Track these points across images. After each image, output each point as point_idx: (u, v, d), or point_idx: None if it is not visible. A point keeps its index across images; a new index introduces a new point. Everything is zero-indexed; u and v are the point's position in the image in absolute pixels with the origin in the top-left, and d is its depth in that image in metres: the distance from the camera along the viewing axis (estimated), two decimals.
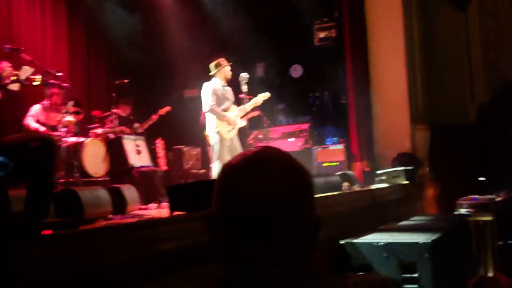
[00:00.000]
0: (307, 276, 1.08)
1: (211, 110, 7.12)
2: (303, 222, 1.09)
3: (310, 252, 1.12)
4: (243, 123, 7.35)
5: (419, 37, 9.43)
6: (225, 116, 7.12)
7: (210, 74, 7.32)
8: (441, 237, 4.61)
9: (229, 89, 7.41)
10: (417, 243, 4.35)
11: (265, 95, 7.60)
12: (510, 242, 6.47)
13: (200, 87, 7.26)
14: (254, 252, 1.07)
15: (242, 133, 7.40)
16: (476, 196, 6.92)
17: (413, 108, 9.13)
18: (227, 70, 7.30)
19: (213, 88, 7.18)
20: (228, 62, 7.38)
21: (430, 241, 4.31)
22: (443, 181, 8.66)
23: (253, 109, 7.75)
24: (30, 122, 7.41)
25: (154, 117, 8.83)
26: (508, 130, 8.65)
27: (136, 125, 8.52)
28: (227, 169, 1.13)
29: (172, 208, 3.80)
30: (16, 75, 5.96)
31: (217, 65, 7.29)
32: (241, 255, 1.08)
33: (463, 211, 6.61)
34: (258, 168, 1.09)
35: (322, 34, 10.68)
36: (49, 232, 2.65)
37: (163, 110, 8.98)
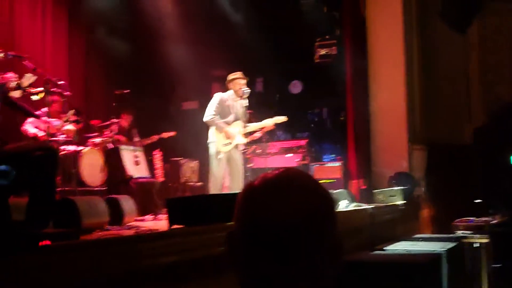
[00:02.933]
0: None
1: (209, 121, 7.11)
2: (327, 243, 1.10)
3: (333, 274, 1.12)
4: (242, 140, 7.20)
5: (419, 58, 9.49)
6: (223, 128, 7.09)
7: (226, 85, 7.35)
8: (437, 259, 4.63)
9: (240, 103, 7.26)
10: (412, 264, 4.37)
11: (280, 119, 7.55)
12: (505, 264, 6.48)
13: (198, 100, 7.27)
14: (274, 272, 1.07)
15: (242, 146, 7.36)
16: (472, 218, 6.93)
17: (411, 127, 9.16)
18: (237, 84, 7.22)
19: (220, 99, 7.14)
20: (245, 76, 7.31)
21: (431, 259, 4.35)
22: (439, 201, 8.67)
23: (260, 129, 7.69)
24: (29, 128, 7.39)
25: (156, 137, 8.89)
26: (504, 152, 8.69)
27: (136, 139, 8.54)
28: (251, 188, 1.13)
29: (171, 221, 3.79)
30: (18, 82, 5.95)
31: (230, 78, 7.30)
32: (261, 273, 1.08)
33: (459, 232, 6.62)
34: (284, 188, 1.10)
35: (323, 51, 10.71)
36: (48, 242, 2.63)
37: (167, 134, 9.02)
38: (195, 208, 3.60)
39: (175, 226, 3.75)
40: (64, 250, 2.65)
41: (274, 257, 1.06)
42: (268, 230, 1.07)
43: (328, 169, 8.79)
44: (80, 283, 2.59)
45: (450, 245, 5.53)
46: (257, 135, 7.73)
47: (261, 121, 7.55)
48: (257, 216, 1.09)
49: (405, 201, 7.52)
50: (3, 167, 2.53)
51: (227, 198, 3.62)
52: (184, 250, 3.13)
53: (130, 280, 2.83)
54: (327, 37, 10.66)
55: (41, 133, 7.19)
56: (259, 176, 1.16)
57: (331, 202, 1.14)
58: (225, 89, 7.35)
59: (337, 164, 8.84)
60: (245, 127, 7.15)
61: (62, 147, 7.03)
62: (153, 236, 3.35)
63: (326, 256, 1.10)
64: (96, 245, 2.88)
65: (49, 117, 6.63)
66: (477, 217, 6.97)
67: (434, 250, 4.98)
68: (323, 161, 9.45)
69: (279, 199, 1.08)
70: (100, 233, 4.16)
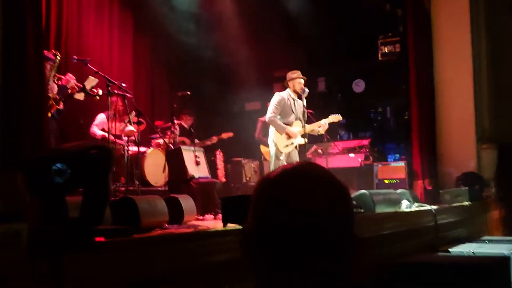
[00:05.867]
0: None
1: (270, 121, 7.10)
2: (341, 239, 1.06)
3: (348, 270, 1.07)
4: (302, 140, 7.14)
5: (487, 54, 9.15)
6: (285, 128, 7.05)
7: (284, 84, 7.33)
8: (504, 261, 4.44)
9: (300, 102, 7.21)
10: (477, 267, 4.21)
11: (336, 117, 7.45)
12: None
13: (260, 100, 7.27)
14: (290, 266, 1.03)
15: (301, 147, 7.31)
16: None
17: (479, 126, 8.86)
18: (297, 83, 7.18)
19: (279, 99, 7.12)
20: (303, 75, 7.26)
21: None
22: (510, 202, 8.33)
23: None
24: (96, 130, 7.64)
25: (215, 139, 9.03)
26: None
27: (196, 141, 8.67)
28: (265, 182, 1.10)
29: (225, 220, 3.80)
30: (82, 85, 6.18)
31: (289, 77, 7.27)
32: (276, 269, 1.05)
33: None
34: (298, 181, 1.07)
35: (386, 49, 10.53)
36: (102, 239, 2.70)
37: (226, 135, 9.19)
38: (248, 207, 3.60)
39: (229, 225, 3.76)
40: (117, 246, 2.70)
41: (290, 254, 1.03)
42: (282, 220, 1.03)
43: (392, 169, 8.60)
44: (133, 278, 2.64)
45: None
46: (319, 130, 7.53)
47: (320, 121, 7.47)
48: (276, 209, 1.05)
49: (472, 202, 7.26)
50: (59, 165, 2.61)
51: None
52: (235, 249, 3.12)
53: (183, 277, 2.86)
54: (389, 34, 10.46)
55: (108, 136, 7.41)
56: (275, 169, 1.13)
57: (347, 195, 1.10)
58: (284, 88, 7.33)
59: (401, 164, 8.63)
60: (304, 126, 7.08)
61: (126, 148, 7.21)
62: (205, 234, 3.37)
63: (341, 249, 1.05)
64: (148, 242, 2.93)
65: (113, 118, 6.83)
66: None
67: (501, 253, 4.79)
68: (387, 161, 9.26)
69: (294, 190, 1.05)
70: (159, 231, 4.22)
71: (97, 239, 2.66)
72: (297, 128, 7.13)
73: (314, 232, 1.02)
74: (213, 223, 5.81)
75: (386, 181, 8.49)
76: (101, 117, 7.71)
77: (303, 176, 1.08)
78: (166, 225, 4.54)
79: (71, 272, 2.34)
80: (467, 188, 7.66)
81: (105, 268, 2.54)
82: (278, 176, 1.09)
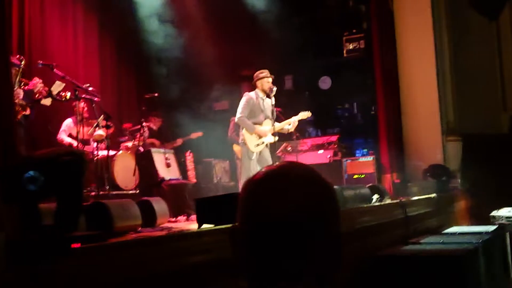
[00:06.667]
0: None
1: (239, 121, 7.13)
2: (327, 237, 1.09)
3: (334, 268, 1.11)
4: (272, 138, 7.18)
5: (449, 48, 9.34)
6: (254, 128, 7.09)
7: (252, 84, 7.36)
8: (473, 251, 4.55)
9: (268, 101, 7.23)
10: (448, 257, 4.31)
11: (306, 114, 7.48)
12: None
13: (229, 100, 7.28)
14: (277, 266, 1.06)
15: (272, 145, 7.35)
16: (510, 208, 6.79)
17: (444, 119, 9.04)
18: (265, 82, 7.20)
19: (248, 99, 7.15)
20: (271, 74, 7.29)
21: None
22: (476, 193, 8.51)
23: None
24: (64, 136, 7.54)
25: (180, 141, 9.12)
26: None
27: (166, 143, 8.68)
28: (251, 183, 1.13)
29: (200, 221, 3.81)
30: (49, 90, 6.09)
31: (256, 76, 7.30)
32: (264, 268, 1.08)
33: (497, 223, 6.50)
34: (282, 181, 1.09)
35: (351, 46, 10.65)
36: (78, 245, 2.68)
37: (195, 135, 9.23)
38: (223, 207, 3.61)
39: (204, 226, 3.77)
40: (94, 252, 2.69)
41: (275, 251, 1.06)
42: (270, 223, 1.06)
43: (360, 164, 8.71)
44: (111, 284, 2.63)
45: (488, 236, 5.44)
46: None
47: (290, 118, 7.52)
48: (260, 210, 1.08)
49: (440, 194, 7.40)
50: (31, 173, 2.59)
51: None
52: (212, 249, 3.14)
53: (159, 280, 2.85)
54: (354, 31, 10.58)
55: (75, 143, 7.33)
56: (260, 169, 1.16)
57: (332, 192, 1.13)
58: (253, 88, 7.35)
59: (370, 158, 8.75)
60: (273, 125, 7.12)
61: (95, 152, 7.14)
62: (182, 235, 3.38)
63: (327, 247, 1.09)
64: (125, 245, 2.92)
65: (80, 123, 6.76)
66: None
67: (470, 242, 4.90)
68: (356, 156, 9.38)
69: (281, 192, 1.08)
70: (132, 235, 4.20)
71: (73, 245, 2.65)
72: (267, 127, 7.17)
73: (296, 228, 1.05)
74: (186, 224, 5.81)
75: (355, 176, 8.60)
76: (67, 123, 7.62)
77: (283, 177, 1.11)
78: (140, 228, 4.52)
79: (49, 280, 2.32)
80: (434, 180, 7.81)
81: (83, 274, 2.53)
82: (262, 177, 1.12)
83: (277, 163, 1.19)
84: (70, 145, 7.35)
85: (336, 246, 1.10)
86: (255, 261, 1.09)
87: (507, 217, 6.56)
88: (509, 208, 6.79)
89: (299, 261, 1.06)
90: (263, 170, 1.14)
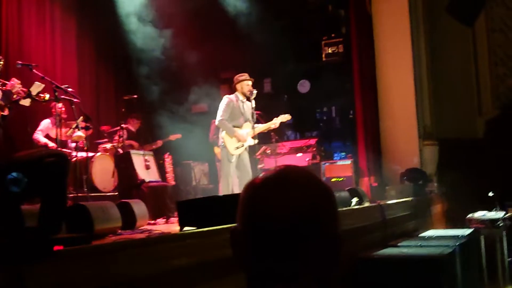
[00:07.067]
0: None
1: (219, 124, 7.14)
2: (325, 239, 1.11)
3: (332, 269, 1.13)
4: (252, 141, 7.22)
5: (427, 53, 9.47)
6: (234, 131, 7.10)
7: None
8: (450, 254, 4.62)
9: (249, 104, 7.27)
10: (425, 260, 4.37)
11: (286, 117, 7.52)
12: None
13: (208, 102, 7.28)
14: (276, 266, 1.08)
15: (251, 148, 7.38)
16: (485, 212, 6.90)
17: (421, 123, 9.15)
18: (245, 85, 7.23)
19: (228, 102, 7.15)
20: (251, 77, 7.32)
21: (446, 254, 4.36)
22: (452, 196, 8.64)
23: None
24: (39, 137, 7.46)
25: (160, 143, 9.17)
26: None
27: (144, 145, 8.66)
28: (251, 186, 1.15)
29: (182, 224, 3.81)
30: (28, 91, 6.04)
31: (236, 79, 7.31)
32: (264, 268, 1.10)
33: (473, 226, 6.60)
34: (281, 184, 1.11)
35: (329, 50, 10.72)
36: (61, 247, 2.66)
37: (174, 137, 9.27)
38: (206, 209, 3.62)
39: (186, 228, 3.77)
40: (77, 254, 2.67)
41: (275, 253, 1.08)
42: (268, 226, 1.08)
43: (338, 167, 8.76)
44: (93, 286, 2.61)
45: (464, 239, 5.53)
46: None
47: (269, 121, 7.55)
48: (257, 212, 1.10)
49: (417, 197, 7.50)
50: (14, 174, 2.56)
51: (237, 199, 3.62)
52: (195, 252, 3.14)
53: (142, 283, 2.85)
54: (333, 35, 10.66)
55: (51, 143, 7.26)
56: (262, 174, 1.17)
57: (330, 195, 1.15)
58: (233, 91, 7.37)
59: (348, 162, 8.81)
60: (253, 128, 7.15)
61: (73, 154, 7.08)
62: (164, 238, 3.37)
63: (326, 248, 1.11)
64: (109, 248, 2.90)
65: (59, 124, 6.69)
66: (491, 211, 6.94)
67: (447, 245, 4.98)
68: (334, 160, 9.44)
69: (278, 195, 1.10)
70: (112, 237, 4.18)
71: (56, 248, 2.62)
72: (246, 130, 7.19)
73: (296, 230, 1.07)
74: (166, 227, 5.79)
75: (333, 180, 8.64)
76: (45, 123, 7.55)
77: (282, 180, 1.12)
78: (119, 231, 4.49)
79: (32, 283, 2.30)
80: (411, 183, 7.90)
81: (66, 277, 2.51)
82: (262, 181, 1.14)
83: (274, 167, 1.20)
84: (46, 145, 7.29)
85: (334, 248, 1.12)
86: (254, 262, 1.11)
87: (481, 220, 6.66)
88: (484, 212, 6.90)
89: (296, 262, 1.08)
90: (264, 173, 1.17)
